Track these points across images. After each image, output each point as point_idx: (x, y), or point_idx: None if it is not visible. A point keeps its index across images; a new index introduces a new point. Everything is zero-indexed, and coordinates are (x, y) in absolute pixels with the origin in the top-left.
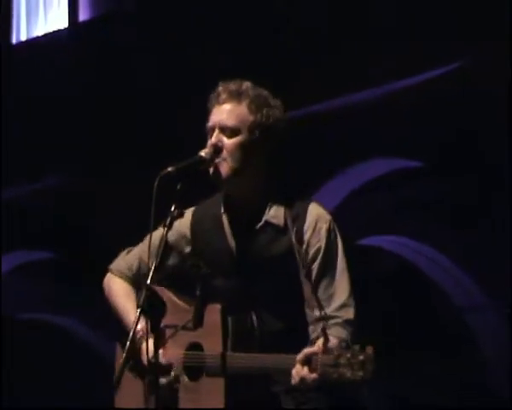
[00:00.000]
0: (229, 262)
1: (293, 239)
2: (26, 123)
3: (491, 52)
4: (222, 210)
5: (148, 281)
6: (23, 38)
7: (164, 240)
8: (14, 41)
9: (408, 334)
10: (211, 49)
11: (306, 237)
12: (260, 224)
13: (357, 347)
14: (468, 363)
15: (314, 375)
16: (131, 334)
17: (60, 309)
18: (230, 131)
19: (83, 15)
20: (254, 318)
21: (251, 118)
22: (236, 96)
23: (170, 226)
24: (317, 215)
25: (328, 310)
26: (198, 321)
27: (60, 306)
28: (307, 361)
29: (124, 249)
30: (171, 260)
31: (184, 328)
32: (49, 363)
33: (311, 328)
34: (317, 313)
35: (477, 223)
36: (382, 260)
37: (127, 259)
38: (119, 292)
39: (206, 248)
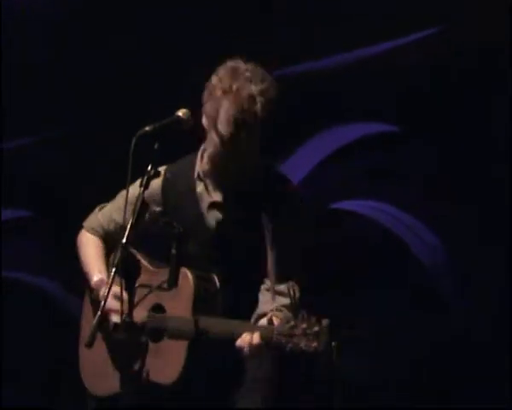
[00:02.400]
0: (199, 227)
1: (263, 210)
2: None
3: (476, 13)
4: (196, 175)
5: (124, 240)
6: None
7: (140, 199)
8: None
9: (377, 295)
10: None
11: (274, 210)
12: (233, 191)
13: (313, 318)
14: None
15: (257, 340)
16: (106, 294)
17: (37, 269)
18: None
19: None
20: (217, 282)
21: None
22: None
23: (146, 186)
24: (287, 192)
25: (284, 286)
26: (173, 281)
27: (37, 265)
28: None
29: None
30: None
31: (159, 288)
32: (22, 324)
33: (261, 296)
34: (268, 282)
35: (453, 189)
36: (355, 223)
37: (99, 216)
38: (86, 244)
39: (177, 210)
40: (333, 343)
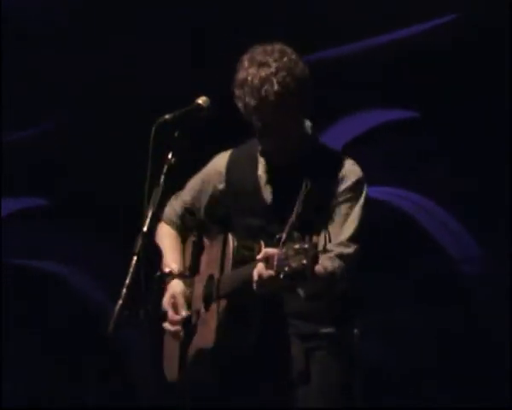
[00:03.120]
0: (256, 201)
1: (305, 188)
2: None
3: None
4: (258, 153)
5: (145, 228)
6: None
7: (161, 187)
8: None
9: (399, 285)
10: None
11: (334, 184)
12: (288, 167)
13: (307, 238)
14: (462, 315)
15: (269, 271)
16: (127, 282)
17: (55, 256)
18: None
19: None
20: (263, 246)
21: (297, 103)
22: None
23: (167, 175)
24: (349, 170)
25: (328, 245)
26: (194, 268)
27: (55, 253)
28: (267, 260)
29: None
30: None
31: (180, 276)
32: (43, 311)
33: None
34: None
35: (475, 174)
36: (377, 210)
37: (173, 205)
38: (163, 238)
39: (238, 187)
40: (355, 331)
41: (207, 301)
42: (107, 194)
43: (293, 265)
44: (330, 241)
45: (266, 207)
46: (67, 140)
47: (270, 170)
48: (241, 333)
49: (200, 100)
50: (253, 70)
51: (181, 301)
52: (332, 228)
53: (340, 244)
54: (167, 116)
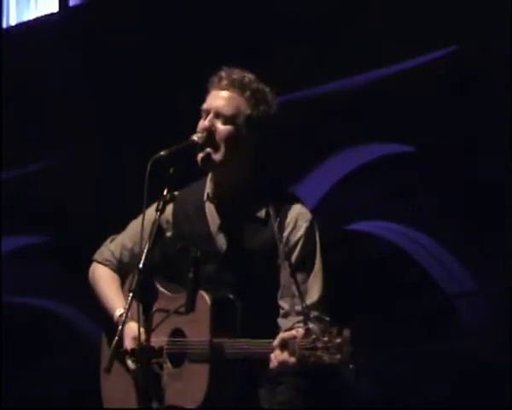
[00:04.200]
0: (211, 250)
1: (276, 231)
2: (17, 109)
3: (488, 36)
4: (205, 197)
5: (141, 265)
6: (13, 22)
7: (157, 224)
8: (4, 25)
9: (395, 320)
10: (205, 29)
11: (286, 232)
12: (244, 214)
13: (334, 330)
14: (456, 348)
15: (293, 359)
16: (123, 318)
17: (53, 294)
18: (225, 119)
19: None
20: (236, 302)
21: (248, 111)
22: (239, 87)
23: (162, 210)
24: (298, 213)
25: (299, 306)
26: (190, 305)
27: (54, 291)
28: (285, 345)
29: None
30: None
31: (177, 312)
32: (41, 349)
33: (282, 320)
34: (287, 306)
35: (469, 210)
36: (370, 245)
37: (111, 247)
38: (103, 278)
39: (188, 234)
40: (350, 366)
41: (173, 358)
42: (107, 232)
43: (325, 358)
44: (300, 297)
45: (220, 254)
46: (68, 179)
47: (219, 216)
48: (225, 394)
49: (195, 136)
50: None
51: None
52: (297, 285)
53: (314, 308)
54: (163, 152)
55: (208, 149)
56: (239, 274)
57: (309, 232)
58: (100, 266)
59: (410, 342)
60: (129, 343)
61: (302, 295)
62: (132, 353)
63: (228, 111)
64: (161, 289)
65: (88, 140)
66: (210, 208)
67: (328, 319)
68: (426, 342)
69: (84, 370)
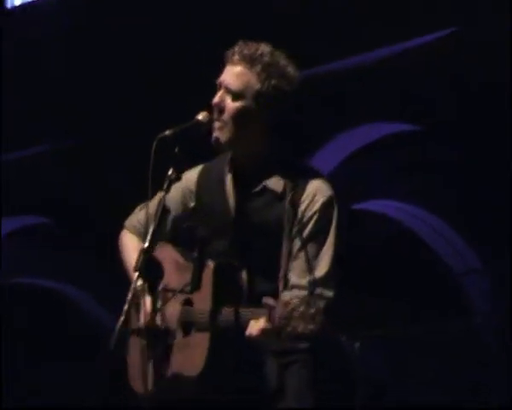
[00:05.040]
0: (226, 222)
1: (287, 206)
2: (21, 88)
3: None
4: (226, 170)
5: (146, 244)
6: (17, 2)
7: (161, 205)
8: (8, 6)
9: (401, 299)
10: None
11: (302, 207)
12: (259, 188)
13: (312, 300)
14: (463, 329)
15: (269, 326)
16: (129, 297)
17: (54, 274)
18: (234, 95)
19: None
20: (244, 277)
21: (257, 86)
22: (249, 61)
23: (167, 190)
24: (316, 188)
25: (304, 280)
26: (196, 284)
27: (54, 271)
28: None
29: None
30: (172, 215)
31: (182, 292)
32: (44, 328)
33: (285, 293)
34: (294, 279)
35: (476, 187)
36: (377, 224)
37: (139, 215)
38: (127, 246)
39: (207, 205)
40: (356, 344)
41: (185, 327)
42: (108, 211)
43: (300, 328)
44: (304, 273)
45: (235, 227)
46: (70, 159)
47: (236, 190)
48: (225, 363)
49: (201, 116)
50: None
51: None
52: (307, 260)
53: (322, 283)
54: (168, 132)
55: (216, 129)
56: (251, 247)
57: (325, 208)
58: (127, 232)
59: (417, 320)
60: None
61: (309, 270)
62: (139, 332)
63: (236, 87)
64: (179, 259)
65: (92, 122)
66: (229, 181)
67: (331, 294)
68: (433, 320)
69: (90, 349)
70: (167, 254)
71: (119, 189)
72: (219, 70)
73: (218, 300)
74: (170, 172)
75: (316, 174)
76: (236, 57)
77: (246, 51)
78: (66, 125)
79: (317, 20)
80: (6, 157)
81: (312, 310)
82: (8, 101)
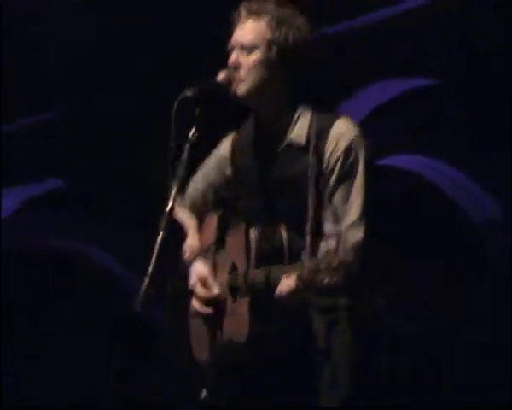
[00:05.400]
0: (254, 181)
1: (311, 159)
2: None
3: None
4: (252, 132)
5: (169, 205)
6: None
7: (184, 165)
8: None
9: (424, 254)
10: None
11: (327, 155)
12: (283, 144)
13: (332, 253)
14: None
15: (294, 283)
16: (153, 260)
17: (75, 237)
18: (248, 49)
19: None
20: (284, 235)
21: (269, 35)
22: (256, 14)
23: (190, 151)
24: (338, 133)
25: (338, 227)
26: (220, 244)
27: (75, 234)
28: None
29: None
30: (215, 181)
31: (208, 250)
32: (68, 292)
33: (322, 244)
34: (328, 227)
35: (497, 143)
36: (401, 179)
37: (188, 189)
38: (181, 219)
39: (241, 171)
40: (380, 300)
41: (233, 292)
42: (127, 172)
43: (326, 281)
44: (337, 220)
45: (266, 186)
46: (81, 124)
47: (261, 148)
48: (270, 327)
49: (220, 76)
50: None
51: (211, 280)
52: (337, 207)
53: (351, 226)
54: (188, 92)
55: (236, 85)
56: (284, 205)
57: (348, 151)
58: (180, 207)
59: (441, 280)
60: (194, 284)
61: (339, 217)
62: (162, 294)
63: (248, 41)
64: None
65: (101, 87)
66: (256, 140)
67: (359, 237)
68: (455, 278)
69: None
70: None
71: (140, 149)
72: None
73: (259, 262)
74: (191, 134)
75: (338, 116)
76: (243, 14)
77: (252, 6)
78: (73, 90)
79: None
80: (10, 127)
81: (336, 261)
82: (12, 68)
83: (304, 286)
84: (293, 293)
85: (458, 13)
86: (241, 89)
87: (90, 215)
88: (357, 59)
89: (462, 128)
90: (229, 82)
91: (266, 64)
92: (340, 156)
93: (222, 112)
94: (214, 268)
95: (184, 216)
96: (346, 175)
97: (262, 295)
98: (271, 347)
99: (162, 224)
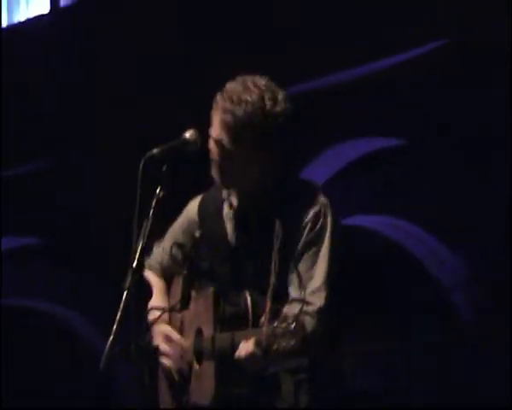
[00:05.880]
0: (225, 246)
1: (277, 225)
2: (8, 108)
3: (476, 29)
4: (223, 196)
5: (134, 264)
6: (4, 24)
7: (150, 222)
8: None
9: (392, 313)
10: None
11: (293, 223)
12: (258, 214)
13: (290, 317)
14: (454, 341)
15: (253, 349)
16: (118, 316)
17: (47, 295)
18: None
19: (64, 0)
20: (248, 300)
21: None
22: (238, 134)
23: (155, 209)
24: (306, 201)
25: (303, 292)
26: (184, 303)
27: (47, 291)
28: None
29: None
30: (184, 243)
31: (172, 310)
32: (37, 349)
33: (285, 308)
34: (293, 293)
35: (463, 200)
36: (365, 239)
37: (155, 252)
38: (155, 288)
39: (208, 232)
40: (348, 359)
41: (198, 356)
42: (96, 232)
43: (283, 344)
44: (302, 286)
45: (235, 253)
46: (60, 180)
47: (234, 217)
48: (238, 389)
49: (188, 134)
50: (221, 101)
51: (176, 335)
52: (302, 272)
53: (315, 292)
54: (155, 151)
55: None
56: (252, 271)
57: (316, 218)
58: (148, 271)
59: (408, 335)
60: (159, 342)
61: (304, 283)
62: (126, 353)
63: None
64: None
65: (81, 142)
66: (226, 209)
67: (320, 304)
68: (424, 335)
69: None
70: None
71: (109, 209)
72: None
73: (224, 325)
74: (158, 191)
75: (309, 186)
76: (228, 120)
77: (237, 121)
78: (54, 145)
79: (302, 37)
80: None
81: (293, 325)
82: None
83: (262, 351)
84: (251, 357)
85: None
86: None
87: (61, 273)
88: (327, 117)
89: (430, 188)
90: (195, 140)
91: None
92: (307, 224)
93: (188, 170)
94: (180, 328)
95: (152, 278)
96: (313, 242)
97: (228, 360)
98: (239, 408)
99: (127, 282)
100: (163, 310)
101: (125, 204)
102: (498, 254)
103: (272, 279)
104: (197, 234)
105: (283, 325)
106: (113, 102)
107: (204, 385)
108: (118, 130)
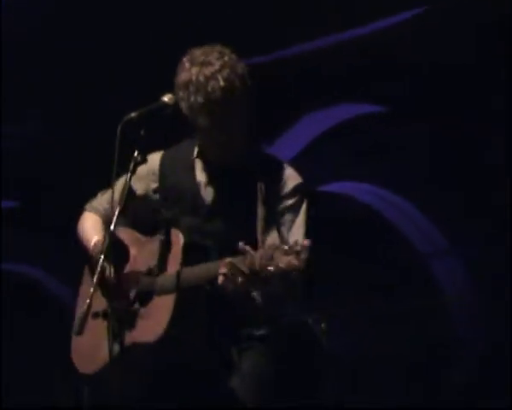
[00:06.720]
0: (196, 203)
1: (261, 191)
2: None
3: None
4: (195, 155)
5: (112, 227)
6: None
7: (127, 186)
8: None
9: (367, 280)
10: None
11: (275, 188)
12: (232, 171)
13: (295, 241)
14: (431, 309)
15: (246, 269)
16: (94, 282)
17: (22, 258)
18: None
19: None
20: (211, 250)
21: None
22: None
23: (133, 172)
24: (288, 174)
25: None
26: (162, 266)
27: (22, 254)
28: (245, 257)
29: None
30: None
31: (148, 274)
32: (13, 313)
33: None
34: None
35: (441, 169)
36: (342, 206)
37: (101, 198)
38: (86, 221)
39: (172, 186)
40: (322, 324)
41: (145, 296)
42: (76, 195)
43: (282, 265)
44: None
45: (206, 206)
46: (39, 144)
47: (209, 172)
48: (192, 330)
49: (166, 97)
50: (195, 69)
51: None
52: (280, 235)
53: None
54: (133, 114)
55: None
56: (224, 226)
57: (296, 191)
58: (87, 213)
59: (384, 301)
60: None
61: (283, 239)
62: (104, 315)
63: None
64: (142, 238)
65: (62, 108)
66: (199, 165)
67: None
68: (399, 300)
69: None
70: (130, 237)
71: (88, 172)
72: None
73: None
74: (135, 155)
75: (285, 164)
76: (218, 94)
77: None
78: (34, 110)
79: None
80: None
81: (298, 247)
82: None
83: (254, 275)
84: (242, 284)
85: (407, 41)
86: None
87: (40, 237)
88: (303, 85)
89: (407, 156)
90: (173, 103)
91: None
92: (289, 192)
93: (165, 132)
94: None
95: (87, 219)
96: (292, 208)
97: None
98: (180, 352)
99: (104, 244)
100: (139, 273)
101: (105, 168)
102: (474, 220)
103: (259, 228)
104: (154, 185)
105: (286, 246)
106: (98, 71)
107: (154, 322)
108: (100, 99)
